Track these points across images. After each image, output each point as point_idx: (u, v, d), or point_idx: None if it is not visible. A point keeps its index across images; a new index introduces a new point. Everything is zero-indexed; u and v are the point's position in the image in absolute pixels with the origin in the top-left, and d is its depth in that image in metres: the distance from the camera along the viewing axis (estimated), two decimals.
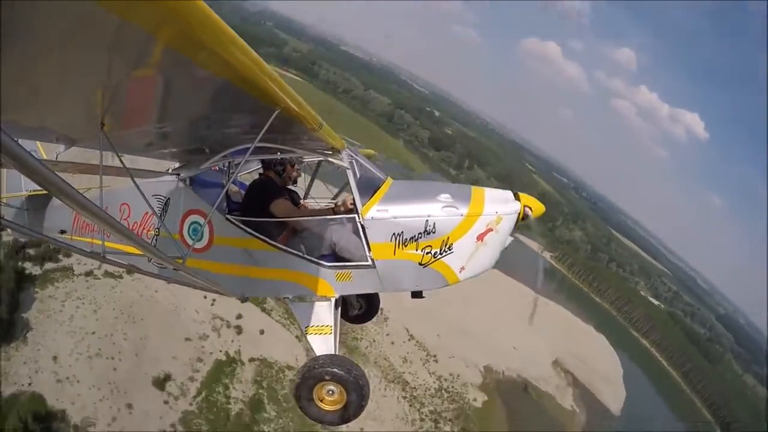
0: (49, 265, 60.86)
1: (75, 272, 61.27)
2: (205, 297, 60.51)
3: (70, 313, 56.24)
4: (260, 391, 60.43)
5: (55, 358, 51.83)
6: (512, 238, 4.97)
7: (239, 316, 65.53)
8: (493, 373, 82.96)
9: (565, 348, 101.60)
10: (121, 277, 61.32)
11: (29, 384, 45.87)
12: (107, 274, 61.31)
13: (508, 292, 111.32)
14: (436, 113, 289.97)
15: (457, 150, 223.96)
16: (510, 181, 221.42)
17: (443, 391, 74.57)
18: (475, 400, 75.42)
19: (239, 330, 65.37)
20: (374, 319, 8.01)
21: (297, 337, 64.53)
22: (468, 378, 77.78)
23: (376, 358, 71.75)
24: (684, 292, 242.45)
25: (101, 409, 47.97)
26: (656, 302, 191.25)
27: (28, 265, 59.61)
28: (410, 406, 69.27)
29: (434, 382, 74.83)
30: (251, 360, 62.25)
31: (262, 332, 66.25)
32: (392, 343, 76.62)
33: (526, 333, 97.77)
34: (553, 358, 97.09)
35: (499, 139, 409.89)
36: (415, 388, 72.16)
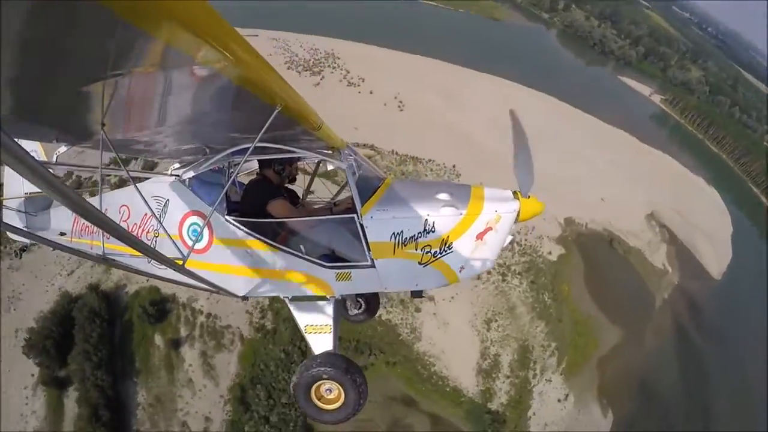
0: None
1: None
2: None
3: None
4: None
5: None
6: (511, 237, 4.83)
7: None
8: (575, 225, 73.23)
9: (664, 201, 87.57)
10: None
11: (147, 281, 53.40)
12: None
13: (604, 139, 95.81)
14: None
15: None
16: (614, 19, 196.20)
17: (514, 243, 66.72)
18: (550, 253, 67.51)
19: None
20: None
21: None
22: (544, 230, 68.65)
23: None
24: None
25: None
26: None
27: None
28: None
29: None
30: None
31: None
32: None
33: (619, 184, 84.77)
34: (649, 211, 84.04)
35: None
36: None
